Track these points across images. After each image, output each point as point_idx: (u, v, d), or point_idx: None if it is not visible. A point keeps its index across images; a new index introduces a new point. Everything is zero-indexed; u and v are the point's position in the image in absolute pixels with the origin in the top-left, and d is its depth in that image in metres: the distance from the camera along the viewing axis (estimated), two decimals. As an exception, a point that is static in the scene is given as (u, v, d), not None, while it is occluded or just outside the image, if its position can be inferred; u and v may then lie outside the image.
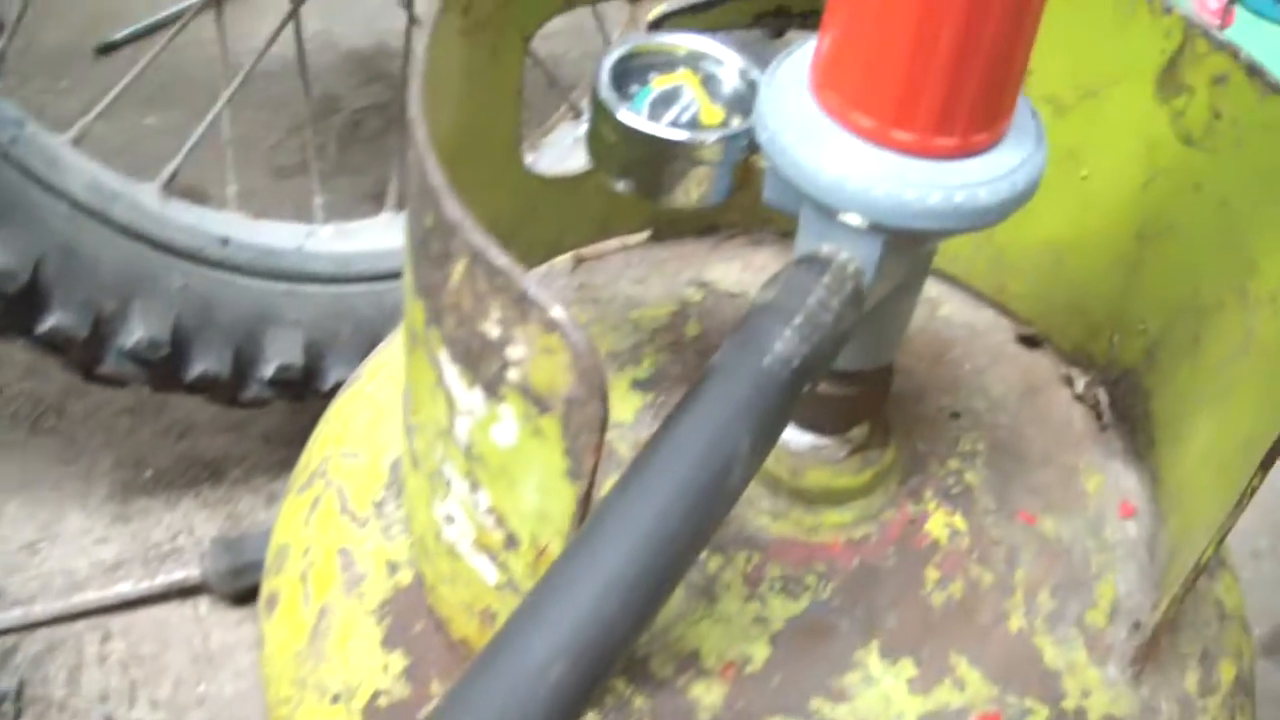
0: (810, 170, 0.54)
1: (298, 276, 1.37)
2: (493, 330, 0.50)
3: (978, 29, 0.51)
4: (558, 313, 0.47)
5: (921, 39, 0.51)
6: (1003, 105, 0.55)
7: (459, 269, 0.51)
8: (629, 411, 0.74)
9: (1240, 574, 0.78)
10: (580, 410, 0.48)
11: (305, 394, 1.40)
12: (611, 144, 0.62)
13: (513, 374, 0.50)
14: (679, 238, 0.86)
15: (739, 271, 0.84)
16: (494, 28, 0.68)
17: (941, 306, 0.84)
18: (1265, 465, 0.58)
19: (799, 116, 0.55)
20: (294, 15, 1.39)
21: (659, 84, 0.64)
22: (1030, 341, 0.83)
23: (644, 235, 0.86)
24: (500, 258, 0.48)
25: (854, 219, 0.54)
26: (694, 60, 0.65)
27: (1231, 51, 0.68)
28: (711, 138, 0.60)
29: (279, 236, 1.38)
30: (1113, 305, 0.77)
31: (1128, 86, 0.72)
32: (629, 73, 0.64)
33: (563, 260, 0.85)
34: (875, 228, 0.54)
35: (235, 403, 1.39)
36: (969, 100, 0.53)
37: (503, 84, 0.72)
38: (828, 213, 0.55)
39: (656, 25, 0.72)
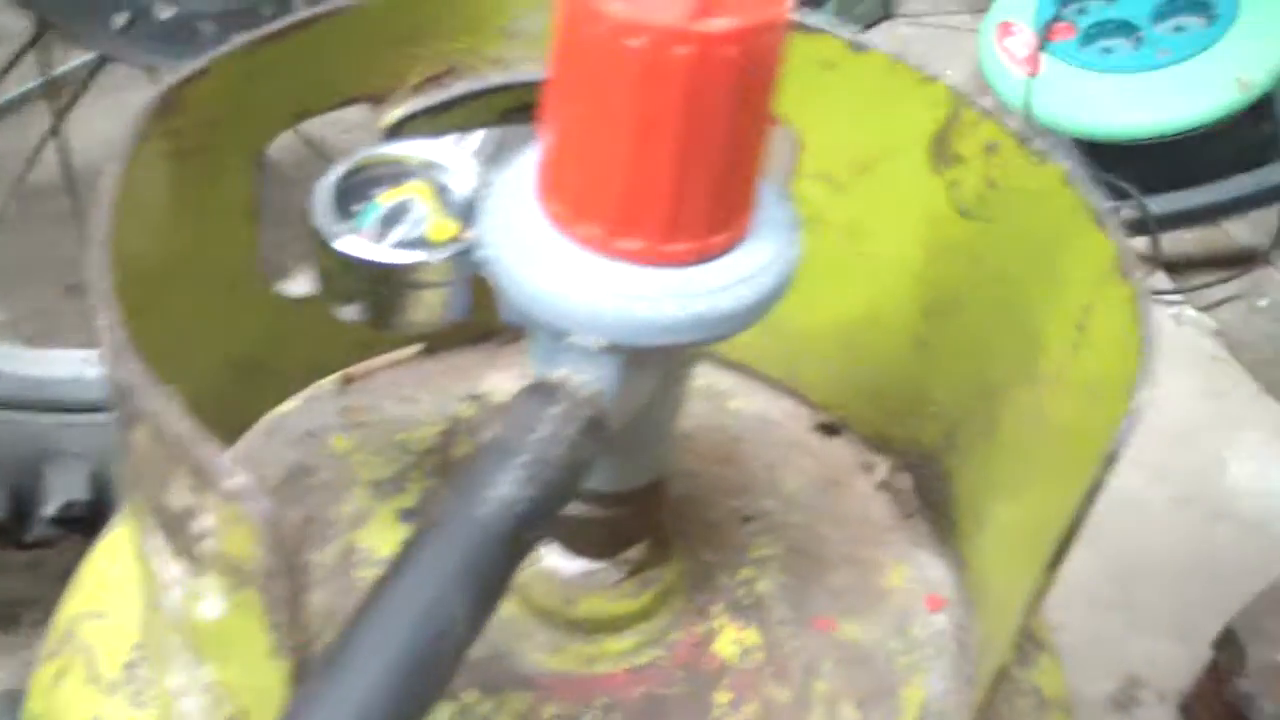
0: (531, 288, 0.51)
1: (77, 406, 1.32)
2: (182, 499, 0.47)
3: (701, 127, 0.48)
4: (237, 482, 0.43)
5: (641, 141, 0.48)
6: (742, 202, 0.52)
7: (143, 433, 0.47)
8: (395, 546, 0.70)
9: (1086, 626, 0.77)
10: (274, 584, 0.44)
11: (98, 528, 1.34)
12: (332, 271, 0.59)
13: (206, 546, 0.47)
14: (453, 348, 0.83)
15: (516, 380, 0.81)
16: (212, 150, 0.65)
17: (732, 399, 0.82)
18: (1052, 566, 0.56)
19: (521, 229, 0.52)
20: (55, 130, 1.35)
21: (386, 199, 0.61)
22: (829, 429, 0.81)
23: (416, 349, 0.83)
24: (179, 423, 0.45)
25: (584, 339, 0.51)
26: (426, 169, 0.62)
27: (1000, 119, 0.66)
28: (439, 256, 0.58)
29: (53, 365, 1.33)
30: (908, 387, 0.76)
31: (902, 159, 0.71)
32: (355, 188, 0.61)
33: (330, 381, 0.82)
34: (608, 347, 0.52)
35: (20, 545, 1.34)
36: (700, 202, 0.50)
37: (231, 206, 0.68)
38: (555, 334, 0.52)
39: (395, 131, 0.69)
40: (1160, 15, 1.57)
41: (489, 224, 0.54)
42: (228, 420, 0.77)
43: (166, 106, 0.60)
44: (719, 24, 0.46)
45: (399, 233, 0.59)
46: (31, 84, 1.74)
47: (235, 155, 0.67)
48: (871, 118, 0.70)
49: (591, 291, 0.50)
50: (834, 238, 0.75)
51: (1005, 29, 1.61)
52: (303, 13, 0.66)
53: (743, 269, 0.52)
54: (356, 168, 0.62)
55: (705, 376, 0.82)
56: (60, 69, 1.36)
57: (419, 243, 0.59)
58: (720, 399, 0.82)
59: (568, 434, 0.51)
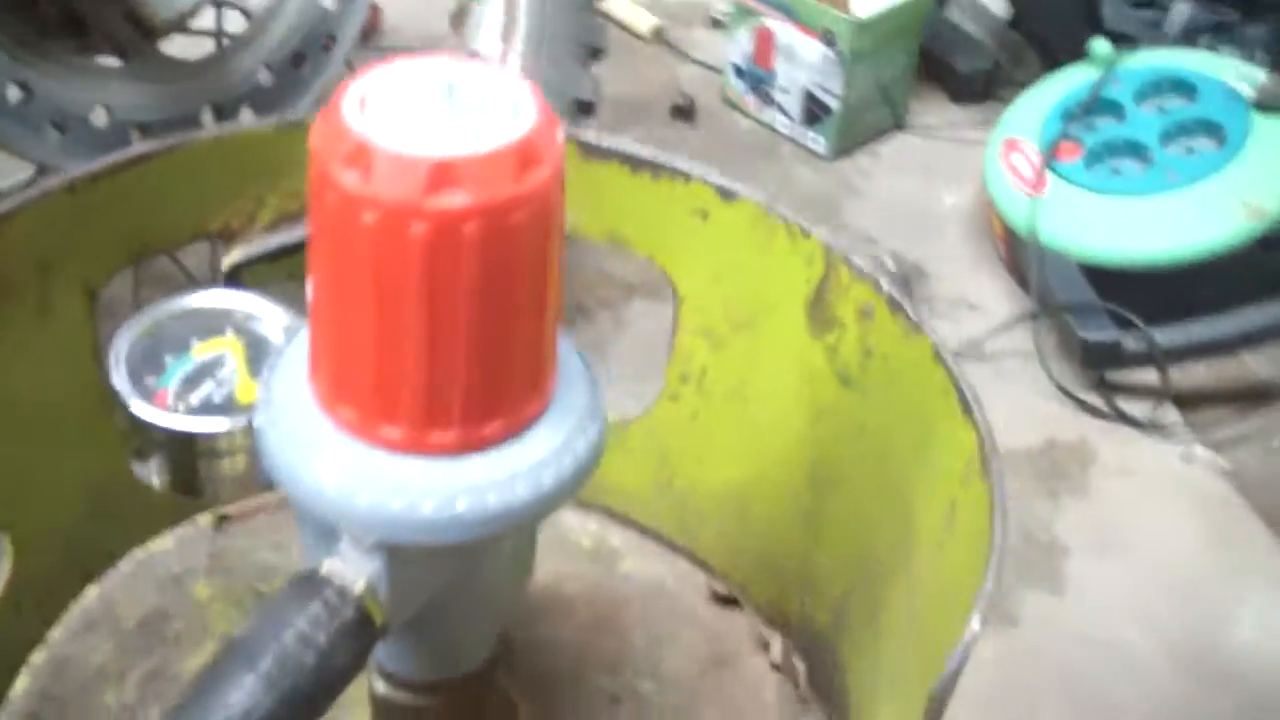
0: (290, 472, 0.49)
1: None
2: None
3: (448, 308, 0.46)
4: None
5: (384, 319, 0.46)
6: (519, 386, 0.49)
7: None
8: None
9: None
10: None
11: None
12: (129, 432, 0.57)
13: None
14: (333, 490, 0.82)
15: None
16: (35, 290, 0.64)
17: (623, 560, 0.79)
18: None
19: (286, 403, 0.50)
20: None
21: (200, 352, 0.59)
22: (726, 600, 0.78)
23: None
24: None
25: (348, 531, 0.49)
26: (244, 322, 0.60)
27: (874, 281, 0.64)
28: (241, 423, 0.56)
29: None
30: (800, 558, 0.73)
31: (781, 317, 0.69)
32: (166, 341, 0.59)
33: (207, 518, 0.80)
34: (376, 542, 0.49)
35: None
36: (459, 387, 0.47)
37: (68, 345, 0.67)
38: (316, 522, 0.50)
39: (236, 274, 0.68)
40: (1170, 136, 1.54)
41: (262, 394, 0.51)
42: (89, 555, 0.76)
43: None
44: (455, 200, 0.43)
45: (203, 392, 0.58)
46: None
47: (68, 295, 0.66)
48: (747, 270, 0.68)
49: (348, 480, 0.48)
50: (721, 395, 0.73)
51: (1011, 146, 1.58)
52: (141, 145, 0.65)
53: (519, 462, 0.49)
54: (171, 317, 0.60)
55: (596, 534, 0.80)
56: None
57: (224, 405, 0.57)
58: (611, 560, 0.79)
59: (321, 637, 0.48)
